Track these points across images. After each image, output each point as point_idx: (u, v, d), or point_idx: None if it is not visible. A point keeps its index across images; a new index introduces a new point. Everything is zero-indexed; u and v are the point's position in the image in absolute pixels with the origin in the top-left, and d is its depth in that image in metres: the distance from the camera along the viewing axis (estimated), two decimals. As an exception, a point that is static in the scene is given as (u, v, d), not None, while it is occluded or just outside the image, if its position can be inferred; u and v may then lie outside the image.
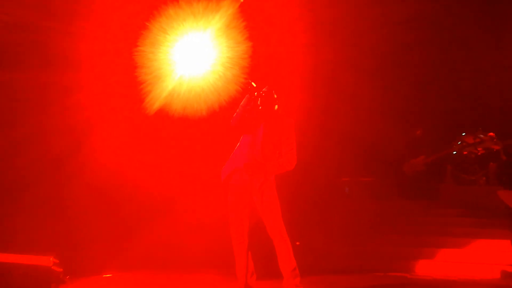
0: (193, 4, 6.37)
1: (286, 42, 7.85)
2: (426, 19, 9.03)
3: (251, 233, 4.94)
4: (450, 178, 9.30)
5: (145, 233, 6.89)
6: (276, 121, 5.08)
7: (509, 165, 8.29)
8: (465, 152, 8.85)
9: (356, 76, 8.81)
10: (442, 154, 9.25)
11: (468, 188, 8.99)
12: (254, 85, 4.99)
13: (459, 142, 8.93)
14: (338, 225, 8.15)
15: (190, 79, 6.31)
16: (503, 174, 8.27)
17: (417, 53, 9.25)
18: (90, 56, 6.87)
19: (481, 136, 8.58)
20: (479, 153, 8.72)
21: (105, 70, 7.06)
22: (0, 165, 6.43)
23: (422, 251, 7.28)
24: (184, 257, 6.93)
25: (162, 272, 6.52)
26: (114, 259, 6.53)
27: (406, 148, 9.64)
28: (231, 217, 5.00)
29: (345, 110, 9.08)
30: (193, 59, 6.07)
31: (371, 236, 7.92)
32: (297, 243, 6.63)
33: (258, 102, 5.01)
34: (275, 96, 5.09)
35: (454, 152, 8.99)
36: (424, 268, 6.96)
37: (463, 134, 8.96)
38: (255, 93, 4.98)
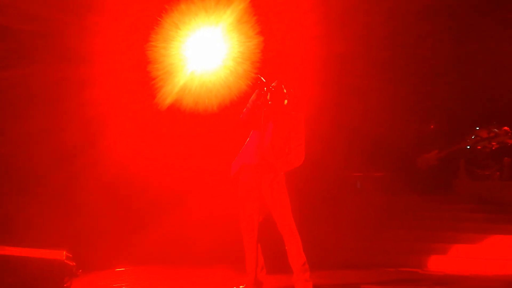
0: (204, -1, 6.37)
1: (297, 36, 7.82)
2: (439, 10, 8.93)
3: (261, 227, 4.94)
4: (463, 173, 9.21)
5: (157, 228, 6.94)
6: (286, 116, 5.07)
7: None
8: (479, 147, 8.84)
9: (367, 69, 8.76)
10: (456, 148, 9.22)
11: (481, 183, 8.91)
12: (264, 80, 4.98)
13: (473, 137, 8.92)
14: (349, 220, 8.13)
15: (201, 74, 6.30)
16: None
17: (430, 45, 9.16)
18: (103, 52, 6.91)
19: (495, 130, 8.56)
20: (493, 148, 8.70)
21: (118, 65, 7.11)
22: (13, 159, 6.50)
23: (434, 246, 7.24)
24: (195, 252, 6.96)
25: (174, 267, 6.56)
26: (126, 253, 6.59)
27: (419, 143, 9.58)
28: (241, 212, 5.02)
29: (356, 104, 9.03)
30: (204, 54, 6.05)
31: (382, 231, 7.90)
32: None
33: (268, 97, 5.00)
34: (285, 91, 5.07)
35: (468, 147, 8.98)
36: (436, 264, 6.92)
37: (477, 128, 8.94)
38: (265, 88, 4.97)
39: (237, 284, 5.06)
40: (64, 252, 4.44)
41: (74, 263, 4.44)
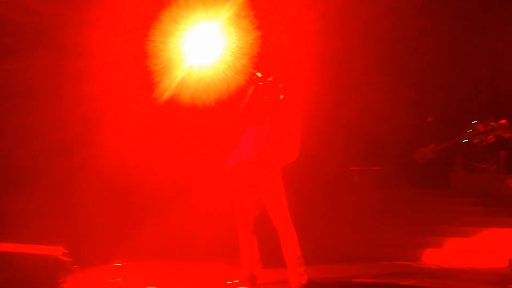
0: (203, -7, 6.37)
1: (295, 30, 7.83)
2: (437, 4, 8.93)
3: (257, 222, 4.99)
4: (460, 167, 9.24)
5: (154, 223, 6.96)
6: (282, 111, 5.11)
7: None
8: (475, 140, 8.86)
9: (365, 64, 8.77)
10: (453, 142, 9.24)
11: (478, 176, 8.93)
12: (260, 75, 5.01)
13: (470, 130, 8.93)
14: (346, 213, 8.16)
15: (199, 69, 6.31)
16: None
17: (427, 39, 9.16)
18: (101, 46, 6.92)
19: (492, 123, 8.57)
20: (490, 141, 8.72)
21: (116, 60, 7.11)
22: (10, 154, 6.50)
23: (430, 239, 7.29)
24: (193, 246, 6.99)
25: (172, 261, 6.59)
26: (124, 248, 6.62)
27: (416, 136, 9.60)
28: (236, 207, 5.06)
29: (353, 98, 9.04)
30: (202, 49, 6.06)
31: (378, 224, 7.93)
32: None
33: (264, 92, 5.03)
34: (281, 85, 5.11)
35: (465, 140, 9.00)
36: (431, 257, 6.97)
37: (474, 122, 8.95)
38: (260, 83, 5.00)
39: (232, 279, 5.11)
40: (61, 248, 4.45)
41: (70, 259, 4.44)
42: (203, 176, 7.40)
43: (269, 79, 5.05)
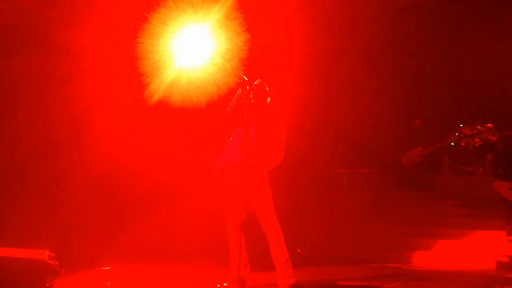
0: (192, -5, 6.37)
1: (284, 32, 7.85)
2: (425, 8, 8.99)
3: (245, 225, 5.00)
4: (447, 169, 9.32)
5: (143, 225, 6.94)
6: (269, 114, 5.13)
7: (506, 156, 8.33)
8: (462, 144, 8.93)
9: (353, 67, 8.81)
10: (440, 145, 9.31)
11: (465, 179, 9.01)
12: (246, 79, 5.02)
13: (457, 133, 9.01)
14: (334, 216, 8.21)
15: (189, 70, 6.31)
16: (500, 165, 8.32)
17: (414, 42, 9.22)
18: (90, 47, 6.89)
19: (479, 127, 8.65)
20: (477, 144, 8.79)
21: (105, 61, 7.09)
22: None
23: (418, 242, 7.35)
24: (182, 249, 7.00)
25: (160, 264, 6.58)
26: (112, 251, 6.56)
27: (403, 140, 9.66)
28: (225, 209, 5.08)
29: (342, 101, 9.09)
30: (192, 51, 6.06)
31: (367, 227, 7.98)
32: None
33: (250, 96, 5.05)
34: (267, 89, 5.13)
35: (452, 144, 9.07)
36: (419, 259, 7.03)
37: (461, 125, 9.03)
38: (247, 87, 5.01)
39: (221, 281, 5.12)
40: (47, 252, 4.38)
41: (57, 263, 4.38)
42: (192, 179, 7.39)
43: (256, 83, 5.07)
